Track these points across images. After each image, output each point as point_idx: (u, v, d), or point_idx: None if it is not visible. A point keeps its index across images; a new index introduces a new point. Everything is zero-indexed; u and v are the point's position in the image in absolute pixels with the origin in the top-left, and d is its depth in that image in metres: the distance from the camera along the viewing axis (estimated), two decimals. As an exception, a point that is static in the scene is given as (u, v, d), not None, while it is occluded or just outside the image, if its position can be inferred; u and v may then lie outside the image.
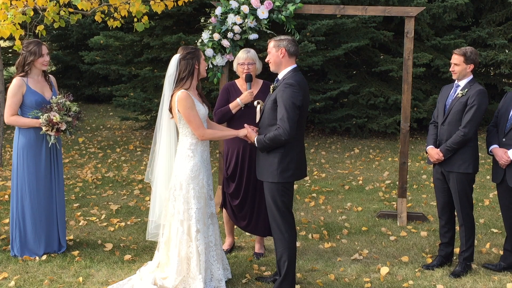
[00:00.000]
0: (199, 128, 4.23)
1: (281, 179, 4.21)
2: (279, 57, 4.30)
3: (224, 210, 5.25)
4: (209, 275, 4.37)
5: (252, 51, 5.10)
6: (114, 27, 8.04)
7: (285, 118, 4.09)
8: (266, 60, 4.48)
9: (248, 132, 4.35)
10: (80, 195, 7.15)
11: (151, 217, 4.52)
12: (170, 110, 4.30)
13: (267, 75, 6.14)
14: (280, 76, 4.32)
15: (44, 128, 4.85)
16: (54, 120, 4.81)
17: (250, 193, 5.04)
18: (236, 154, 5.04)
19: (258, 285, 4.58)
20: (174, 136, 4.42)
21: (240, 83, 5.11)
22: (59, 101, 4.93)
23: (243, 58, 5.03)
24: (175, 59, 4.34)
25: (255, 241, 5.30)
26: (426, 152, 4.98)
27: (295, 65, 4.33)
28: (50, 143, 4.96)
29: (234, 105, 4.98)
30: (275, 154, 4.21)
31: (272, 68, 4.37)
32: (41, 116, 4.85)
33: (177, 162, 4.32)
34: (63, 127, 4.87)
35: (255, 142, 4.26)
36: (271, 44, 4.36)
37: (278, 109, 4.16)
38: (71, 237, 5.56)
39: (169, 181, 4.39)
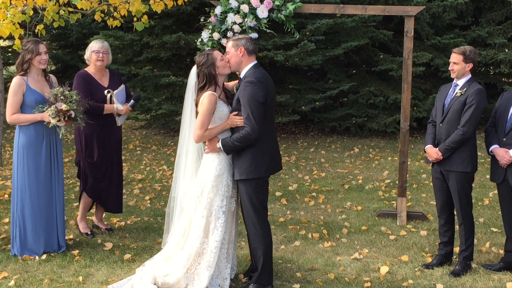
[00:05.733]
0: (200, 129, 4.28)
1: (256, 175, 4.30)
2: (239, 56, 4.37)
3: (84, 194, 5.65)
4: (217, 271, 4.40)
5: (106, 43, 5.57)
6: (113, 26, 8.02)
7: (251, 116, 4.19)
8: (225, 60, 4.49)
9: (231, 118, 4.36)
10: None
11: (170, 225, 4.60)
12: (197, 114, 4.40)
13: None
14: (242, 75, 4.40)
15: (53, 121, 4.83)
16: (63, 109, 4.81)
17: (113, 174, 5.59)
18: (96, 141, 5.45)
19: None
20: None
21: (91, 71, 5.49)
22: (58, 91, 4.91)
23: (99, 47, 5.45)
24: (193, 72, 4.43)
25: (97, 219, 5.83)
26: (425, 152, 4.99)
27: (255, 62, 4.41)
28: (61, 135, 4.98)
29: (110, 109, 5.42)
30: (246, 152, 4.30)
31: (232, 68, 4.43)
32: (48, 110, 4.84)
33: (203, 161, 4.42)
34: (73, 114, 4.88)
35: (220, 146, 4.30)
36: (230, 44, 4.43)
37: (242, 108, 4.25)
38: (71, 236, 5.57)
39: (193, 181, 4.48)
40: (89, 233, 5.63)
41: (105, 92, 5.42)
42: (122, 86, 5.59)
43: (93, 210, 5.96)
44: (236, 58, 4.37)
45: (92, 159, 5.48)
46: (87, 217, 5.83)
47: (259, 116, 4.21)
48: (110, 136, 5.55)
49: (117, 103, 5.45)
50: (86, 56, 5.52)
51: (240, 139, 4.23)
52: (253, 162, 4.29)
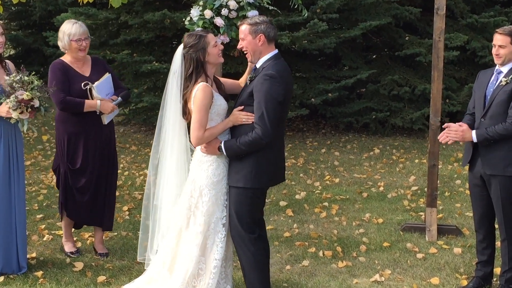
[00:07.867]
0: (199, 130, 4.23)
1: (255, 184, 4.30)
2: (258, 45, 4.35)
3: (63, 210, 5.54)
4: None
5: (84, 25, 5.39)
6: (84, 2, 8.02)
7: (265, 116, 4.16)
8: (239, 47, 4.47)
9: (235, 115, 4.36)
10: (44, 204, 7.15)
11: (154, 241, 4.60)
12: (184, 110, 4.36)
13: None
14: (258, 65, 4.37)
15: (15, 114, 4.81)
16: (25, 99, 4.79)
17: (101, 186, 5.51)
18: (83, 142, 5.36)
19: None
20: (186, 139, 4.48)
21: (68, 60, 5.39)
22: (15, 79, 4.88)
23: (79, 34, 5.27)
24: (179, 53, 4.39)
25: (96, 241, 5.67)
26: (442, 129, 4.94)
27: (276, 51, 4.40)
28: (25, 129, 4.95)
29: (92, 106, 5.27)
30: (250, 155, 4.28)
31: (250, 58, 4.42)
32: (7, 101, 4.81)
33: (196, 165, 4.40)
34: (37, 103, 4.86)
35: (223, 150, 4.27)
36: (246, 29, 4.38)
37: (255, 105, 4.21)
38: (34, 254, 5.56)
39: (178, 193, 4.49)
40: (74, 251, 5.57)
41: (82, 85, 5.25)
42: (107, 74, 5.41)
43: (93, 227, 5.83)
44: (255, 47, 4.34)
45: (75, 165, 5.39)
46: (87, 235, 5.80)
47: (275, 118, 4.19)
48: (100, 136, 5.41)
49: (98, 97, 5.27)
50: (61, 44, 5.36)
51: (248, 143, 4.20)
52: (254, 169, 4.28)
